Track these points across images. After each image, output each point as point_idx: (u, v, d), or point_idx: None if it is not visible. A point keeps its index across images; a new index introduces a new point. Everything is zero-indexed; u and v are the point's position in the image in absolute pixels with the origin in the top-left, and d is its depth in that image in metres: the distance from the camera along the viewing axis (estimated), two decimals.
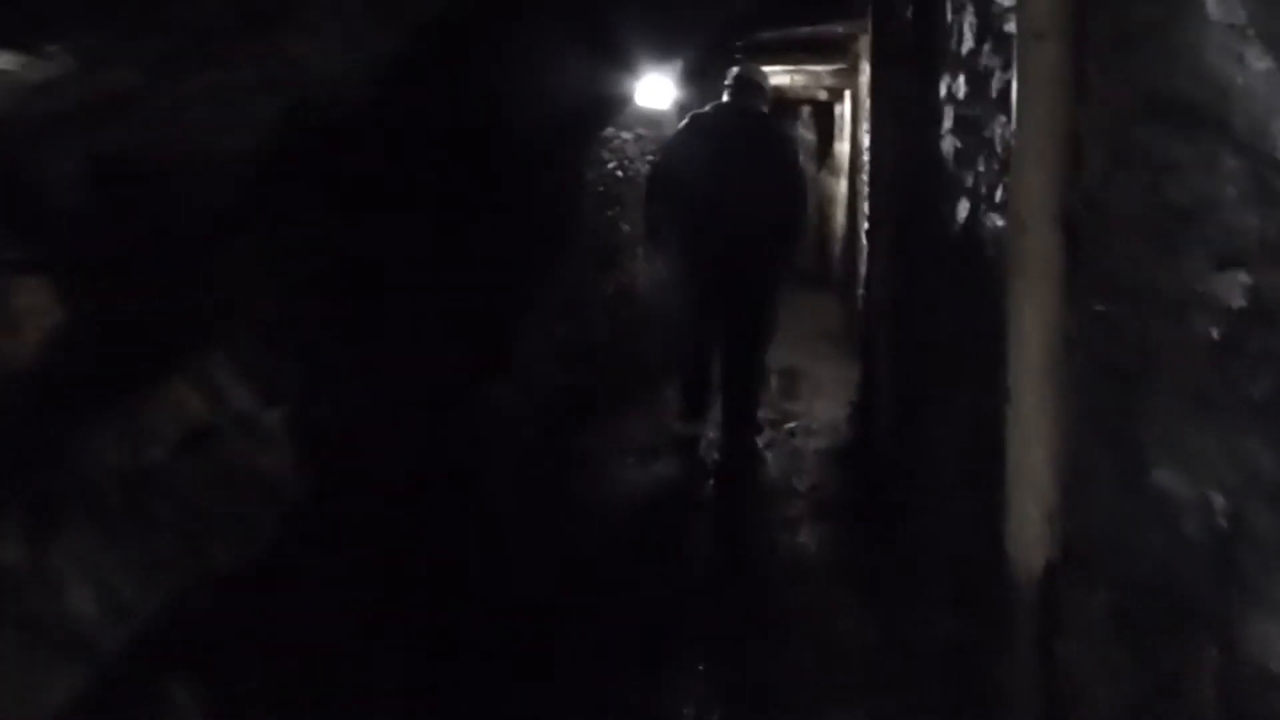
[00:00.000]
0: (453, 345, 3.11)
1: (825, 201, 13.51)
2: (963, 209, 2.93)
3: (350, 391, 2.52)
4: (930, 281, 3.32)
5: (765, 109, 5.41)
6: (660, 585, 3.44)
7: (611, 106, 5.31)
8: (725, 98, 5.43)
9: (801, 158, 5.96)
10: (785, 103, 12.85)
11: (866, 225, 5.03)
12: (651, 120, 6.65)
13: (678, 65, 7.19)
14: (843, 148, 11.33)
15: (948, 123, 3.14)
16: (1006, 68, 2.41)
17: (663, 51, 4.98)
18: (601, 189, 5.55)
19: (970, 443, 2.71)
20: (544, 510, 4.03)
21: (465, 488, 3.49)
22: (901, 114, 3.84)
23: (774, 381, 6.88)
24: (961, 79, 2.96)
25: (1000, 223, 2.46)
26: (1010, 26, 2.36)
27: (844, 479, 4.48)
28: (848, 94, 10.70)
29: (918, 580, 2.99)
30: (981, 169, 2.69)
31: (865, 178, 5.64)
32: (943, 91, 3.20)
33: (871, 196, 4.03)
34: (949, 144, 3.12)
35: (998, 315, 2.45)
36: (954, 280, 3.01)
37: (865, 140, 7.29)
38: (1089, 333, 1.90)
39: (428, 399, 3.05)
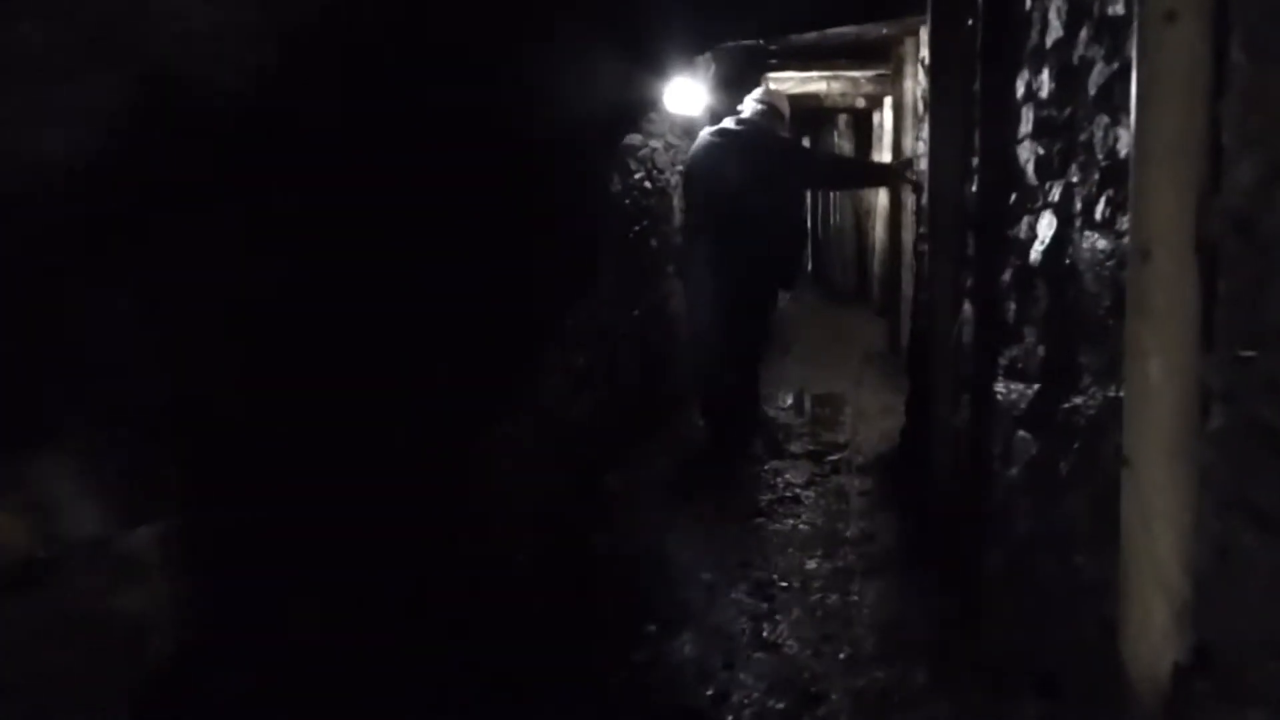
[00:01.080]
0: (449, 390, 2.75)
1: (863, 214, 13.14)
2: (1046, 228, 2.56)
3: (277, 480, 2.08)
4: (1002, 313, 2.95)
5: (776, 132, 5.59)
6: (687, 666, 3.05)
7: (636, 110, 4.98)
8: (735, 119, 5.62)
9: (802, 185, 5.92)
10: (821, 111, 12.54)
11: (917, 241, 4.66)
12: (683, 127, 6.31)
13: (710, 70, 6.88)
14: (882, 158, 10.96)
15: (1026, 126, 2.78)
16: (1112, 58, 2.05)
17: (693, 51, 4.65)
18: (628, 201, 5.22)
19: (1070, 511, 2.34)
20: (563, 570, 3.67)
21: (472, 571, 3.14)
22: (965, 118, 3.48)
23: (810, 407, 6.50)
24: (1045, 75, 2.59)
25: (1103, 246, 2.10)
26: (1118, 8, 2.00)
27: (897, 525, 4.09)
28: (888, 101, 10.36)
29: (999, 667, 2.62)
30: (1075, 180, 2.33)
31: (913, 189, 5.28)
32: (1020, 90, 2.83)
33: (929, 210, 3.65)
34: (1027, 151, 2.76)
35: (1103, 361, 2.09)
36: (1037, 314, 2.64)
37: (910, 148, 6.94)
38: (1234, 385, 1.55)
39: (412, 470, 2.67)
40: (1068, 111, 2.44)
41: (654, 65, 4.46)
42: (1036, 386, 2.65)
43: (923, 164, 4.78)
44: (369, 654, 2.45)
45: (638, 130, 5.40)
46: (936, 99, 3.67)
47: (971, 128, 3.39)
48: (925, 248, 4.37)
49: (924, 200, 4.58)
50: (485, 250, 2.95)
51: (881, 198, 10.64)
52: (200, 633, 1.67)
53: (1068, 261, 2.39)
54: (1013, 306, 2.87)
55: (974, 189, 3.31)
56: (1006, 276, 2.93)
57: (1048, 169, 2.58)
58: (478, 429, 3.17)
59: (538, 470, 3.87)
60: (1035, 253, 2.62)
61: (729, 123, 5.60)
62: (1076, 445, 2.33)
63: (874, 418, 6.08)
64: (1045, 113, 2.61)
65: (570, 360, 4.38)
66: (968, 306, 3.39)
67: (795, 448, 5.58)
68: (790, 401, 6.65)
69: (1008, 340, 2.91)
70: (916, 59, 6.66)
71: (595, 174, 4.44)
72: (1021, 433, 2.74)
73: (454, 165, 2.49)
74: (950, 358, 3.61)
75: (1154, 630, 1.75)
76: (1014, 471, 2.80)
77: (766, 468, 5.23)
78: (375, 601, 2.51)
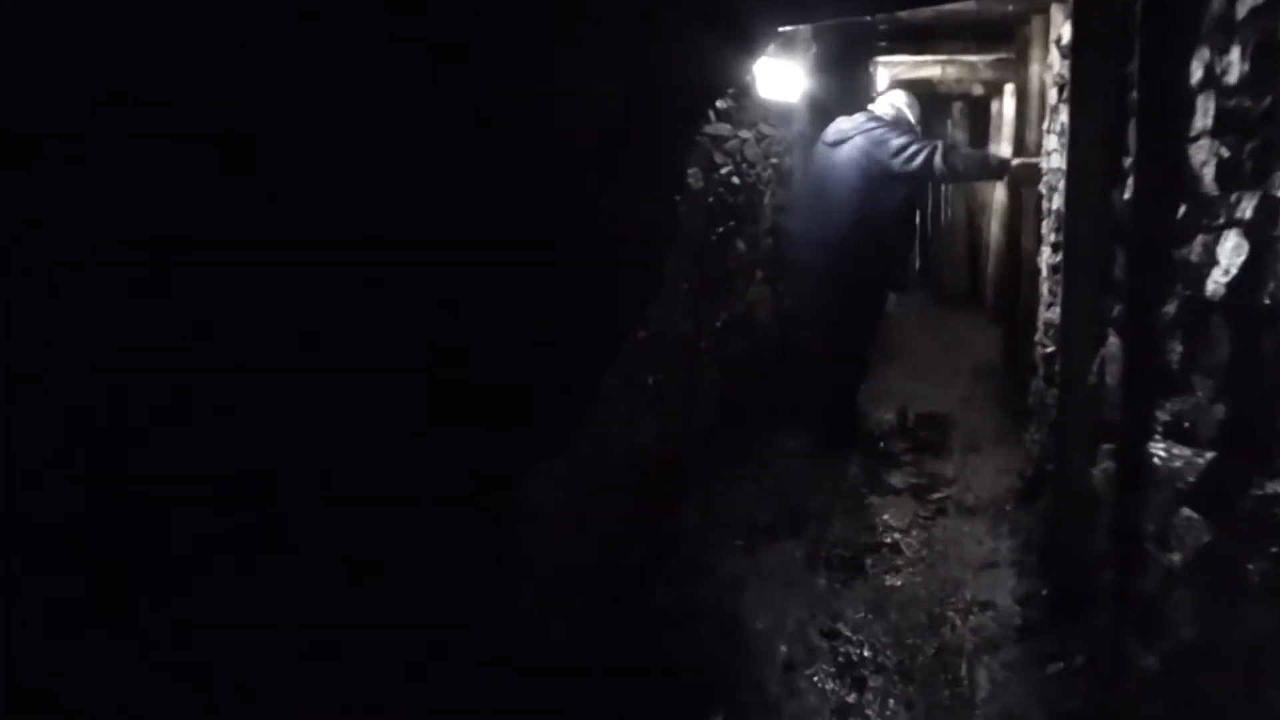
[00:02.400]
0: (458, 434, 2.30)
1: (976, 210, 12.41)
2: (1232, 253, 2.01)
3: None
4: (1162, 354, 2.40)
5: (901, 132, 5.65)
6: None
7: (718, 95, 4.50)
8: (865, 115, 5.80)
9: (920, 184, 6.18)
10: (934, 99, 11.86)
11: (1050, 252, 4.07)
12: (778, 115, 5.79)
13: (810, 51, 6.34)
14: (1000, 150, 10.26)
15: (1203, 119, 2.22)
16: None
17: (784, 22, 4.17)
18: (711, 199, 4.73)
19: (1259, 628, 1.81)
20: (607, 638, 3.21)
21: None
22: (1115, 108, 2.92)
23: (914, 428, 5.93)
24: (1235, 54, 2.04)
25: None
26: None
27: (1016, 591, 3.52)
28: (1009, 88, 9.67)
29: None
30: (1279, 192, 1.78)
31: (1043, 188, 4.68)
32: (1195, 74, 2.28)
33: (1065, 219, 3.11)
34: (1204, 152, 2.20)
35: None
36: (1214, 362, 2.09)
37: (1035, 141, 6.31)
38: None
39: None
40: (1267, 101, 1.90)
41: (741, 42, 3.97)
42: (1211, 455, 2.11)
43: (1054, 161, 4.19)
44: None
45: (726, 119, 4.91)
46: (1078, 85, 3.11)
47: (1123, 120, 2.83)
48: (1057, 259, 3.80)
49: (1054, 202, 4.00)
50: (519, 265, 2.52)
51: (998, 192, 9.94)
52: None
53: (1266, 300, 1.84)
54: (1178, 348, 2.32)
55: (1126, 196, 2.75)
56: (1170, 309, 2.38)
57: (1235, 176, 2.04)
58: (502, 479, 2.73)
59: (590, 511, 3.42)
60: (1214, 283, 2.08)
61: (852, 120, 5.73)
62: (1275, 548, 1.79)
63: (987, 446, 5.49)
64: (1233, 102, 2.06)
65: (637, 377, 3.92)
66: (1114, 340, 2.83)
67: (896, 479, 5.04)
68: (892, 420, 6.09)
69: (1169, 390, 2.36)
70: (1045, 40, 6.01)
71: (667, 168, 3.97)
72: (1187, 512, 2.19)
73: (464, 165, 2.05)
74: (1088, 400, 3.05)
75: None
76: (1175, 559, 2.26)
77: (866, 502, 4.71)
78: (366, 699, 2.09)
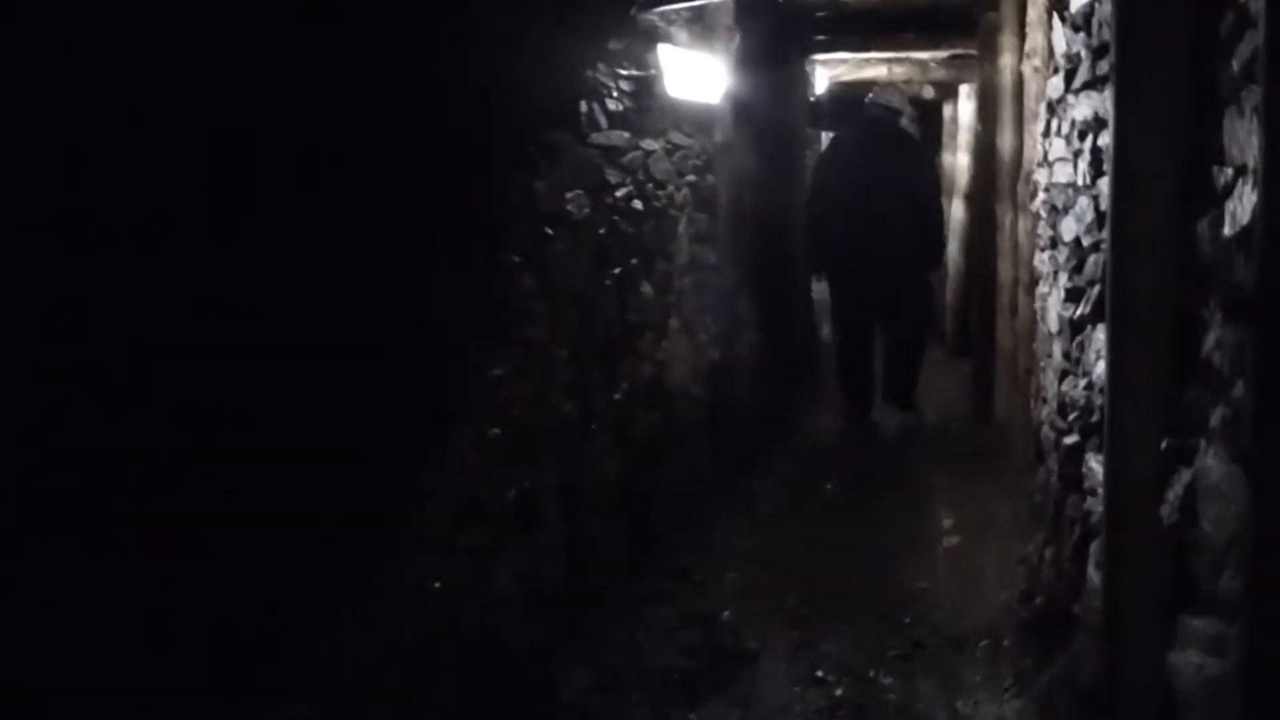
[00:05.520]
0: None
1: None
2: None
3: None
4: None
5: (905, 129, 6.85)
6: None
7: (592, 94, 3.51)
8: (863, 123, 6.64)
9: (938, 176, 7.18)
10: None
11: (1062, 300, 3.06)
12: (694, 120, 4.76)
13: (734, 43, 5.35)
14: (956, 161, 9.39)
15: None
16: None
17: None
18: (603, 232, 3.69)
19: None
20: None
21: None
22: (1194, 93, 1.94)
23: (868, 505, 4.95)
24: None
25: None
26: None
27: None
28: (965, 89, 8.83)
29: None
30: None
31: (1041, 208, 3.70)
32: None
33: (1114, 259, 2.12)
34: None
35: None
36: None
37: (1010, 147, 5.39)
38: None
39: None
40: None
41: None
42: None
43: (1058, 174, 3.21)
44: None
45: (622, 125, 3.88)
46: (1130, 58, 2.11)
47: (1214, 112, 1.84)
48: (1077, 313, 2.81)
49: (1065, 229, 3.02)
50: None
51: (956, 209, 9.06)
52: None
53: None
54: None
55: (1227, 232, 1.76)
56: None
57: None
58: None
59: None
60: None
61: (864, 119, 6.61)
62: None
63: (970, 537, 4.50)
64: None
65: (483, 496, 2.87)
66: (1213, 462, 1.83)
67: (855, 590, 4.02)
68: (830, 491, 5.14)
69: None
70: (1020, 23, 5.08)
71: (508, 206, 2.92)
72: None
73: None
74: (1158, 546, 2.05)
75: None
76: None
77: (818, 628, 3.68)
78: None
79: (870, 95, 6.70)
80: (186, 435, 1.81)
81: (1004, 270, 5.47)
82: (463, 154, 2.64)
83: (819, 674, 3.39)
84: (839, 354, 6.70)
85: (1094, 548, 2.56)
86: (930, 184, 6.67)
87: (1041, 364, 3.55)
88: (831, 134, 9.28)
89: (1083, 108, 2.79)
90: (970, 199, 8.32)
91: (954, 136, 9.73)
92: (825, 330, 7.91)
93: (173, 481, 1.78)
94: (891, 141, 6.47)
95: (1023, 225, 4.65)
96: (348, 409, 2.24)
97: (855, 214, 6.16)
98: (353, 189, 2.24)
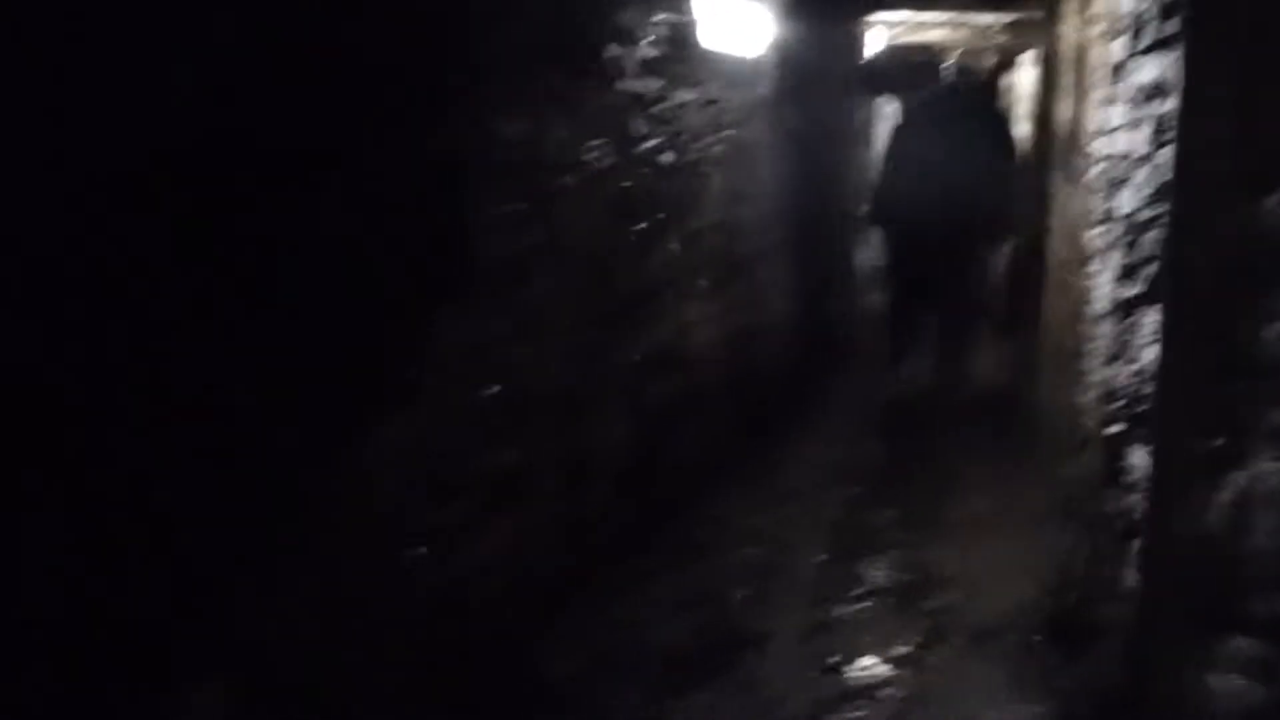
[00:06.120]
0: None
1: None
2: None
3: None
4: None
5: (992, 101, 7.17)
6: None
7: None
8: (941, 88, 6.59)
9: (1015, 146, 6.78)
10: (933, 68, 10.70)
11: (1114, 280, 2.84)
12: (732, 74, 4.56)
13: None
14: (1020, 133, 9.06)
15: None
16: None
17: None
18: (628, 185, 3.51)
19: None
20: None
21: None
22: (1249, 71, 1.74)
23: (894, 488, 4.79)
24: None
25: None
26: None
27: None
28: (1028, 56, 8.49)
29: None
30: None
31: (1094, 179, 3.48)
32: None
33: (1173, 237, 1.91)
34: None
35: None
36: None
37: (1070, 117, 5.12)
38: None
39: None
40: None
41: None
42: None
43: (1118, 143, 2.99)
44: None
45: (653, 72, 3.69)
46: (1201, 10, 1.91)
47: None
48: (1127, 294, 2.60)
49: (1121, 202, 2.80)
50: None
51: None
52: None
53: None
54: None
55: None
56: None
57: None
58: None
59: None
60: None
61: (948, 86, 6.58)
62: None
63: (1001, 525, 4.30)
64: None
65: (469, 467, 2.72)
66: (1271, 466, 1.64)
67: (876, 573, 3.86)
68: (856, 469, 5.05)
69: None
70: None
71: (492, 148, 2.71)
72: None
73: None
74: (1204, 551, 1.86)
75: None
76: None
77: (831, 614, 3.53)
78: None
79: (951, 61, 6.88)
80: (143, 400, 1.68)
81: (1054, 246, 5.23)
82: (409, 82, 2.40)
83: (832, 660, 3.25)
84: (890, 310, 6.76)
85: (1132, 548, 2.37)
86: (1008, 158, 6.57)
87: (1087, 347, 3.33)
88: (888, 99, 9.12)
89: (1148, 70, 2.57)
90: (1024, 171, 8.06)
91: (1012, 107, 9.42)
92: (869, 299, 7.79)
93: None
94: (979, 110, 6.54)
95: (1076, 199, 4.42)
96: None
97: (930, 178, 6.05)
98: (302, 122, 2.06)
